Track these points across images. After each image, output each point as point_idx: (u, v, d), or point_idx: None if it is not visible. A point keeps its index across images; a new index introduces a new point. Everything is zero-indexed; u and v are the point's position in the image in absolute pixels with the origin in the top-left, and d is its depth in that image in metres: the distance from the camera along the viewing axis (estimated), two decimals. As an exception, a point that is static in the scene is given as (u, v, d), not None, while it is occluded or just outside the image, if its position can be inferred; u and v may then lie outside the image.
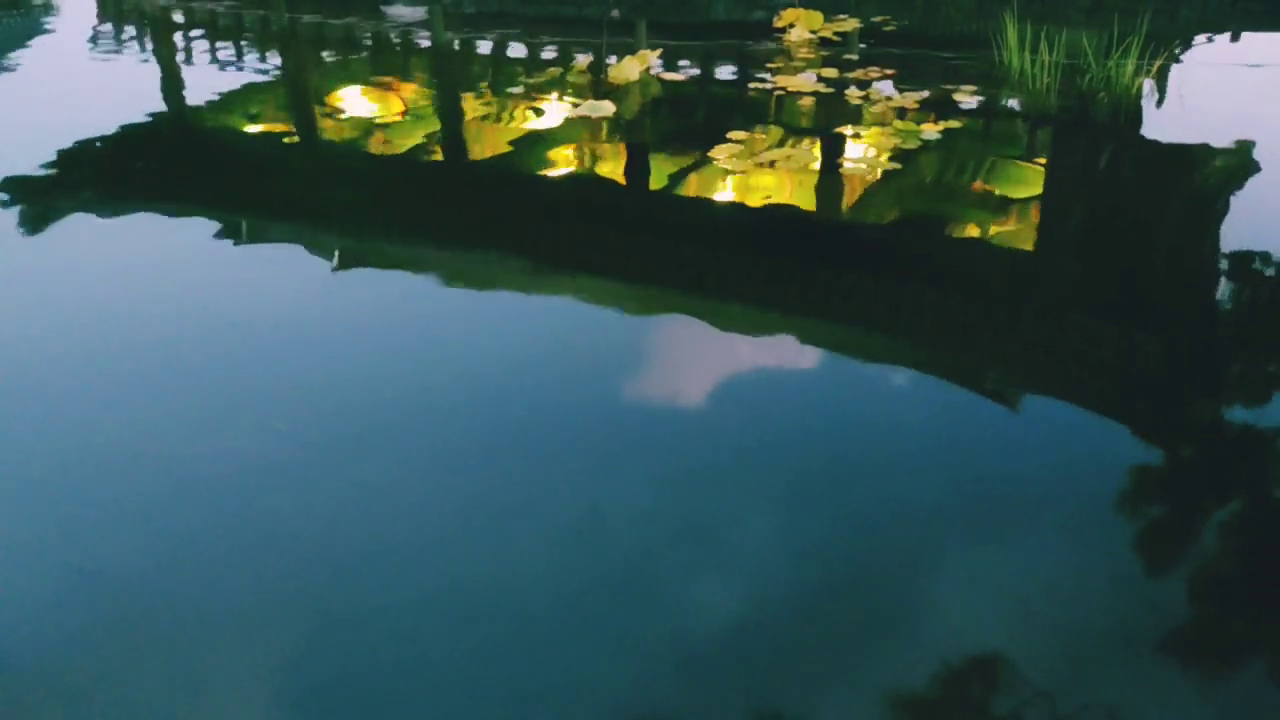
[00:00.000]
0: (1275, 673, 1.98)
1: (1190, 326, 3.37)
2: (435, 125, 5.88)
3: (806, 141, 5.23)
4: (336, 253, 3.77)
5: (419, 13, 8.74)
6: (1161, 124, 5.44)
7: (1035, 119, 5.50)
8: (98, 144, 5.34)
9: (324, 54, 7.94)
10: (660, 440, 2.65)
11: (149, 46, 8.20)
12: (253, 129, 5.90)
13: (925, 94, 5.88)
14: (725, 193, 4.54)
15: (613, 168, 5.04)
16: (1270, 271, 3.67)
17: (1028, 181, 4.74)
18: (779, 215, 4.32)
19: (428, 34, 8.22)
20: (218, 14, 8.95)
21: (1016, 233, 4.20)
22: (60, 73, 7.34)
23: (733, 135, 5.11)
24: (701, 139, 5.14)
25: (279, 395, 2.87)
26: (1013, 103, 5.75)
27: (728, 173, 4.69)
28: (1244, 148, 4.90)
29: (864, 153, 5.05)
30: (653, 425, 2.71)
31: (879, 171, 4.68)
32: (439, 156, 5.38)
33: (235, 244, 4.03)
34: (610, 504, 2.40)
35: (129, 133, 5.62)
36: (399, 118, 6.07)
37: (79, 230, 4.20)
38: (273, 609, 2.11)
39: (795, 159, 4.84)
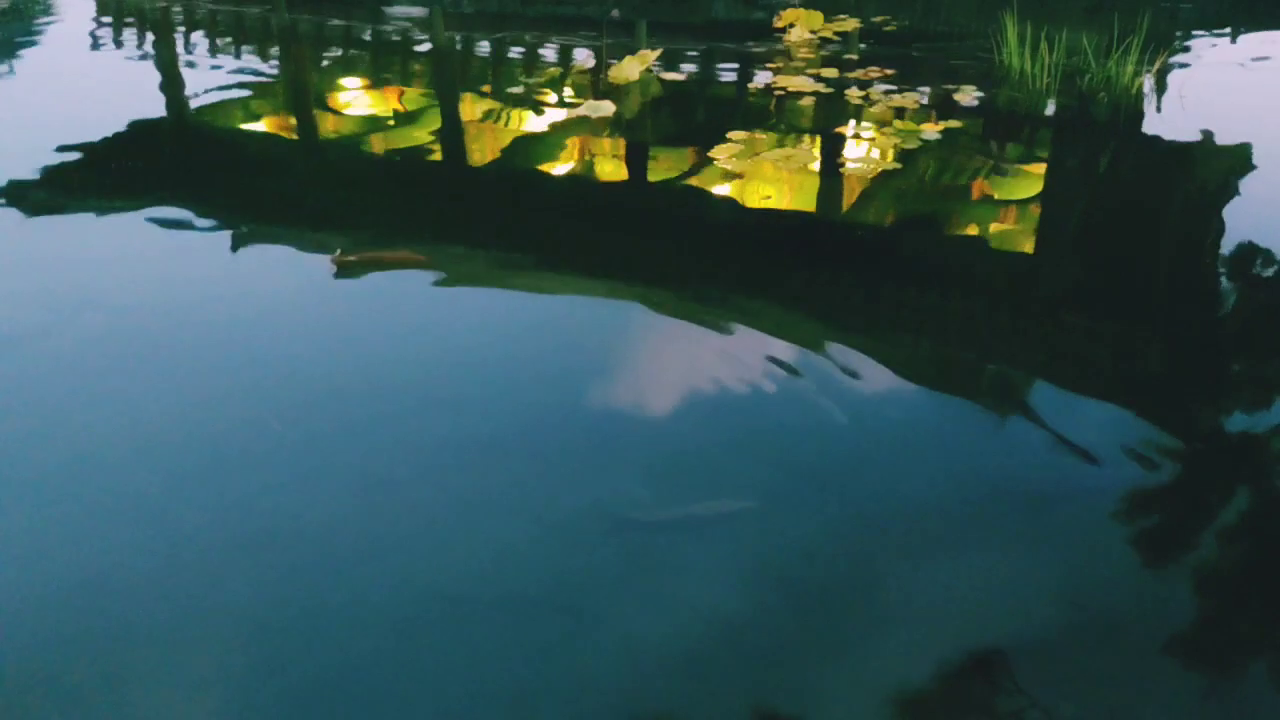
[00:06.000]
0: (1276, 673, 1.98)
1: (1191, 326, 3.37)
2: (435, 125, 5.88)
3: (806, 141, 5.23)
4: (335, 253, 3.76)
5: (419, 12, 8.74)
6: (1161, 124, 5.44)
7: (1035, 119, 5.50)
8: (98, 144, 5.33)
9: (324, 54, 7.94)
10: (659, 438, 2.65)
11: (149, 46, 8.19)
12: (253, 129, 5.90)
13: (925, 94, 5.88)
14: (725, 193, 4.54)
15: (613, 168, 5.04)
16: (1270, 271, 3.67)
17: (1027, 182, 4.74)
18: (779, 215, 4.32)
19: (428, 34, 8.22)
20: (218, 14, 8.94)
21: (1017, 232, 4.20)
22: (60, 73, 7.34)
23: (733, 135, 5.10)
24: (701, 139, 5.14)
25: (279, 394, 2.87)
26: (1012, 103, 5.75)
27: (728, 173, 4.69)
28: (1244, 148, 4.90)
29: (864, 153, 5.05)
30: (652, 423, 2.71)
31: (879, 171, 4.68)
32: (439, 156, 5.38)
33: (235, 244, 4.03)
34: (609, 501, 2.40)
35: (129, 133, 5.62)
36: (399, 117, 6.08)
37: (78, 230, 4.20)
38: (273, 608, 2.11)
39: (795, 159, 4.84)
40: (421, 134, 5.68)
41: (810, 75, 6.39)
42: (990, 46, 6.15)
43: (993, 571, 2.19)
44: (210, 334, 3.22)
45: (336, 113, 6.23)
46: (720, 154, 4.86)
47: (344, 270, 3.64)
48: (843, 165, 4.86)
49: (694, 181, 4.72)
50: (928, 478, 2.48)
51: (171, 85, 6.97)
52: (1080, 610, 2.08)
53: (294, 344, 3.19)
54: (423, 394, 2.88)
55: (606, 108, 5.72)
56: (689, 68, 6.92)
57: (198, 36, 8.39)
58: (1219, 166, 4.77)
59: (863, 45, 7.33)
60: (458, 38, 8.13)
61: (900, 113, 5.51)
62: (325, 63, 7.69)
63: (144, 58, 7.80)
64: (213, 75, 7.12)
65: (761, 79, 6.45)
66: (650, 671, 1.95)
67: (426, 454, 2.61)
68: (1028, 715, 1.85)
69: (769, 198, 4.49)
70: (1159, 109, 5.68)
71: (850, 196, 4.51)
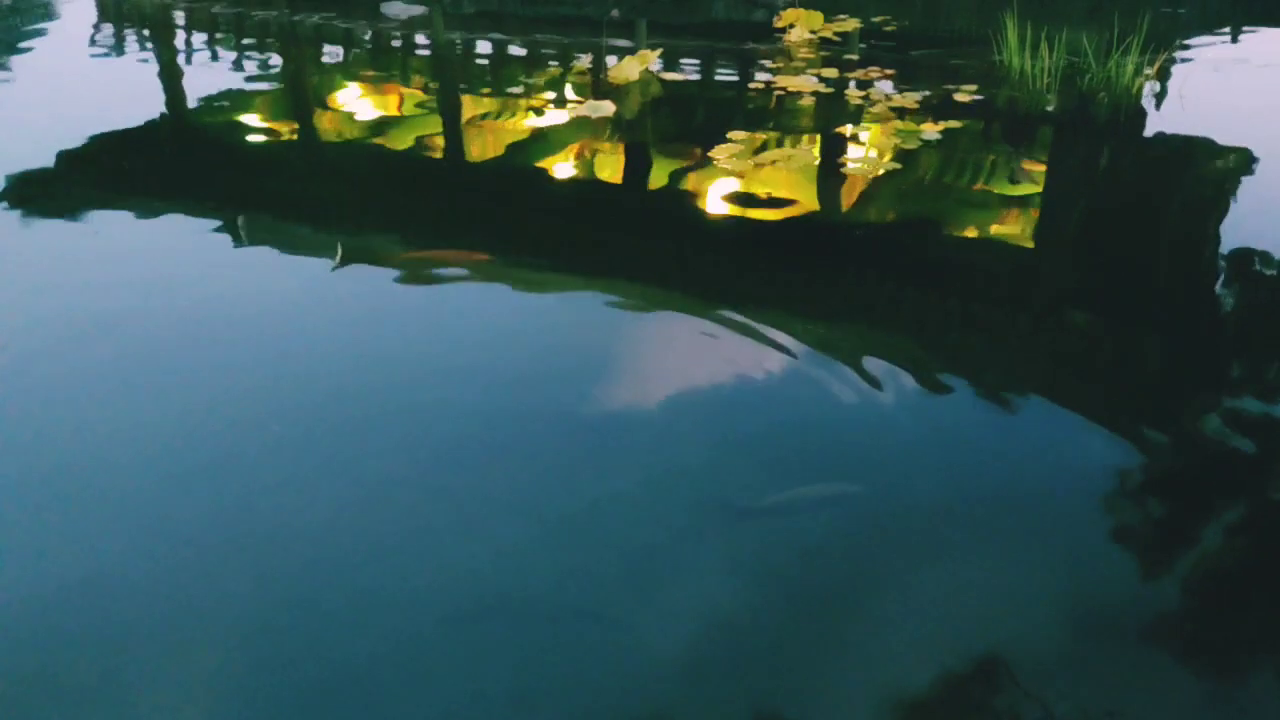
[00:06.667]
0: (1276, 673, 1.98)
1: (1190, 326, 3.37)
2: (435, 125, 5.88)
3: (807, 141, 5.23)
4: (338, 252, 3.76)
5: (419, 12, 8.74)
6: (1161, 124, 5.44)
7: (1035, 119, 5.50)
8: (98, 144, 5.33)
9: (324, 54, 7.94)
10: (659, 438, 2.65)
11: (149, 46, 8.19)
12: (253, 129, 5.90)
13: (925, 94, 5.88)
14: (725, 193, 4.54)
15: (613, 168, 5.04)
16: (1270, 271, 3.67)
17: (1028, 182, 4.74)
18: (779, 215, 4.32)
19: (428, 34, 8.22)
20: (218, 14, 8.94)
21: (1016, 232, 4.20)
22: (60, 73, 7.34)
23: (733, 135, 5.10)
24: (701, 139, 5.14)
25: (278, 394, 2.87)
26: (1012, 103, 5.75)
27: (728, 173, 4.69)
28: (1244, 148, 4.90)
29: (864, 153, 5.05)
30: (651, 423, 2.71)
31: (879, 171, 4.68)
32: (439, 156, 5.38)
33: (234, 243, 4.03)
34: (609, 501, 2.40)
35: (129, 133, 5.62)
36: (399, 117, 6.07)
37: (78, 230, 4.20)
38: (273, 608, 2.11)
39: (795, 159, 4.84)
40: (421, 134, 5.67)
41: (810, 75, 6.39)
42: (990, 46, 6.15)
43: (993, 571, 2.19)
44: (209, 334, 3.22)
45: (336, 113, 6.23)
46: (720, 154, 4.86)
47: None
48: (843, 165, 4.85)
49: (694, 181, 4.72)
50: (927, 477, 2.48)
51: (171, 85, 6.97)
52: (1080, 610, 2.08)
53: (293, 344, 3.19)
54: (422, 394, 2.88)
55: (606, 108, 5.72)
56: (689, 68, 6.92)
57: (198, 36, 8.39)
58: (1219, 166, 4.77)
59: (863, 45, 7.32)
60: (458, 38, 8.13)
61: (900, 113, 5.51)
62: (325, 63, 7.69)
63: (144, 58, 7.80)
64: (213, 75, 7.12)
65: (761, 79, 6.45)
66: (651, 672, 1.95)
67: (426, 454, 2.61)
68: (1028, 715, 1.85)
69: (769, 197, 4.49)
70: (1159, 109, 5.68)
71: (850, 196, 4.51)
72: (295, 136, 5.80)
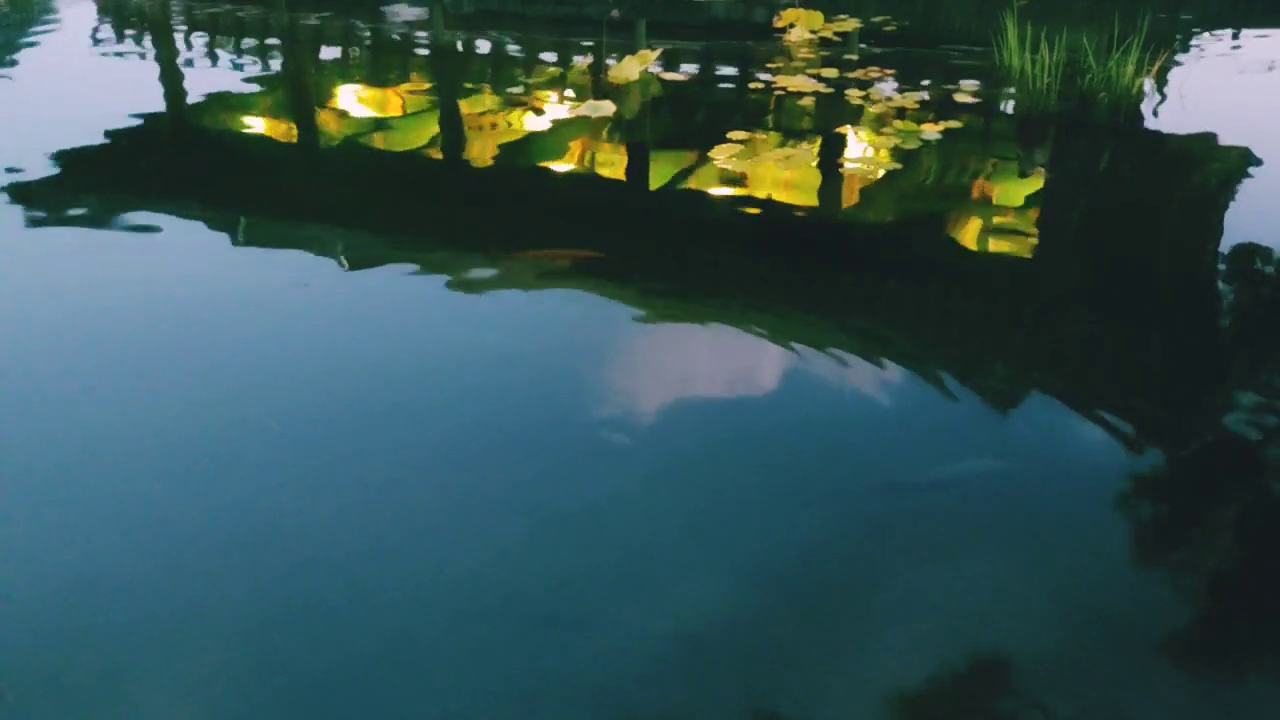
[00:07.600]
0: (1276, 673, 1.98)
1: (1190, 326, 3.37)
2: (435, 125, 5.88)
3: (806, 142, 5.23)
4: (341, 253, 3.76)
5: (419, 13, 8.74)
6: (1161, 124, 5.44)
7: (1035, 119, 5.50)
8: (98, 144, 5.33)
9: (324, 54, 7.94)
10: (659, 438, 2.65)
11: (149, 46, 8.19)
12: (253, 129, 5.90)
13: (925, 94, 5.88)
14: (725, 193, 4.54)
15: (613, 168, 5.04)
16: (1271, 271, 3.67)
17: (1027, 182, 4.74)
18: (779, 215, 4.32)
19: (428, 34, 8.22)
20: (218, 14, 8.95)
21: (1017, 232, 4.20)
22: (60, 72, 7.34)
23: (733, 135, 5.10)
24: (701, 139, 5.14)
25: (279, 394, 2.87)
26: (1012, 103, 5.75)
27: (727, 173, 4.69)
28: (1244, 148, 4.90)
29: (864, 153, 5.05)
30: (651, 423, 2.71)
31: (879, 171, 4.68)
32: (439, 156, 5.38)
33: (234, 243, 4.03)
34: (609, 501, 2.40)
35: (129, 133, 5.62)
36: (399, 117, 6.07)
37: (78, 230, 4.20)
38: (272, 608, 2.11)
39: (795, 159, 4.84)
40: (421, 134, 5.67)
41: (810, 75, 6.39)
42: (990, 46, 6.15)
43: (993, 571, 2.19)
44: (209, 334, 3.22)
45: (337, 113, 6.23)
46: (720, 154, 4.86)
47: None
48: (843, 165, 4.85)
49: (694, 182, 4.72)
50: (927, 478, 2.48)
51: (171, 85, 6.96)
52: (1080, 610, 2.08)
53: (292, 344, 3.19)
54: (422, 394, 2.88)
55: (606, 108, 5.72)
56: (689, 68, 6.92)
57: (197, 37, 8.39)
58: (1219, 166, 4.77)
59: (863, 45, 7.33)
60: (458, 38, 8.13)
61: (900, 113, 5.51)
62: (325, 63, 7.69)
63: (144, 58, 7.80)
64: (213, 75, 7.12)
65: (761, 79, 6.45)
66: (650, 671, 1.95)
67: (425, 454, 2.61)
68: (1028, 715, 1.85)
69: (769, 198, 4.49)
70: (1159, 109, 5.68)
71: (850, 196, 4.51)
72: (295, 136, 5.80)
